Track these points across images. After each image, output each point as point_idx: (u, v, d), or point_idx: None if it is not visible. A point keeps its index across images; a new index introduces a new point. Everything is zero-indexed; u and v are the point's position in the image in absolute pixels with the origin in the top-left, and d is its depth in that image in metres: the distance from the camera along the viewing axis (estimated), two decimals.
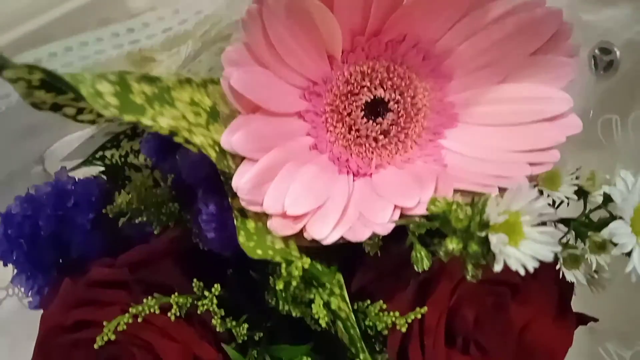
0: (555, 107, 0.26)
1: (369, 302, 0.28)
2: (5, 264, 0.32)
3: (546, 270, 0.29)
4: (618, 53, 0.37)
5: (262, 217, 0.26)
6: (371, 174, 0.29)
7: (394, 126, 0.29)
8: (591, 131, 0.33)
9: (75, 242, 0.32)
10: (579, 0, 0.36)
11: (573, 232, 0.28)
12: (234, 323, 0.29)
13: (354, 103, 0.28)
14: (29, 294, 0.33)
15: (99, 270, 0.31)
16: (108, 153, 0.35)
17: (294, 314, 0.27)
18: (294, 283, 0.24)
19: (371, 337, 0.29)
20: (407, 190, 0.26)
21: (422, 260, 0.24)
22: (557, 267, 0.26)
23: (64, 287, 0.31)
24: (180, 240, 0.32)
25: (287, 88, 0.27)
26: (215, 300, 0.27)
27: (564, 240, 0.27)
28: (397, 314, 0.26)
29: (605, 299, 0.28)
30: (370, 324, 0.28)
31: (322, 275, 0.25)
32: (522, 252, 0.19)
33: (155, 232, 0.29)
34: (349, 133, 0.29)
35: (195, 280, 0.29)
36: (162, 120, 0.22)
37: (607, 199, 0.25)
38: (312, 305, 0.24)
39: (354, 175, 0.29)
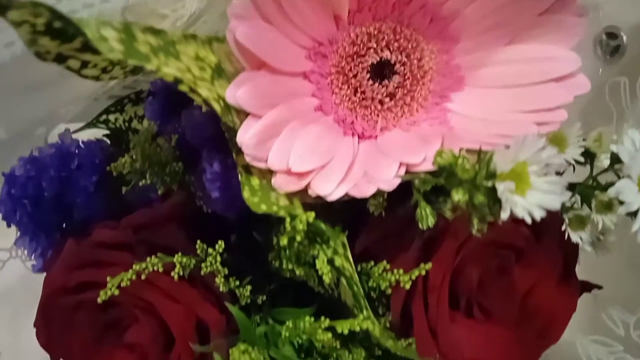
0: (563, 67, 0.26)
1: (372, 263, 0.28)
2: (8, 225, 0.32)
3: (550, 236, 0.30)
4: (625, 38, 0.37)
5: (267, 174, 0.26)
6: (376, 136, 0.28)
7: (400, 89, 0.29)
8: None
9: (79, 205, 0.32)
10: None
11: (579, 197, 0.28)
12: (237, 283, 0.29)
13: (360, 65, 0.28)
14: (32, 256, 0.33)
15: (102, 232, 0.31)
16: (112, 117, 0.34)
17: (297, 273, 0.27)
18: (298, 238, 0.24)
19: (374, 300, 0.29)
20: (412, 148, 0.25)
21: (426, 217, 0.24)
22: (563, 228, 0.26)
23: (67, 248, 0.31)
24: (184, 205, 0.32)
25: (292, 47, 0.27)
26: (218, 258, 0.27)
27: (570, 203, 0.27)
28: (401, 271, 0.26)
29: (609, 266, 0.28)
30: (374, 284, 0.28)
31: (326, 230, 0.25)
32: (529, 201, 0.19)
33: (159, 192, 0.29)
34: (355, 95, 0.28)
35: (198, 241, 0.29)
36: (167, 69, 0.22)
37: (615, 159, 0.25)
38: (316, 261, 0.24)
39: (359, 137, 0.28)
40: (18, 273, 0.42)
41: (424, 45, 0.29)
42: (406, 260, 0.26)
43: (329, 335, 0.25)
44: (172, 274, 0.28)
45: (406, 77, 0.29)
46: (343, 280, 0.25)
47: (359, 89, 0.28)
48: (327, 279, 0.24)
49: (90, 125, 0.34)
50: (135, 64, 0.21)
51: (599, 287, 0.31)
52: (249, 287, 0.30)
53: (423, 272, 0.25)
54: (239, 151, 0.25)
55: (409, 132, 0.28)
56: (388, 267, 0.27)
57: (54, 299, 0.32)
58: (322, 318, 0.26)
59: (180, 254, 0.29)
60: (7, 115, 0.31)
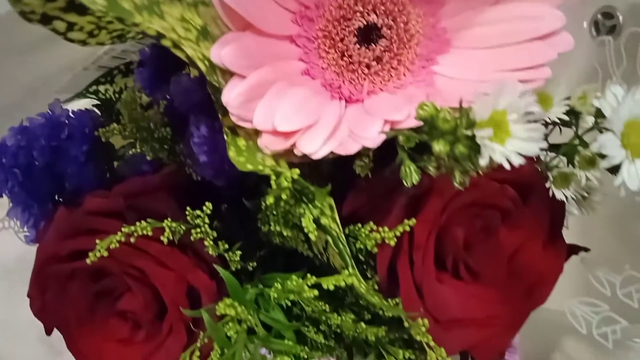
0: (548, 25, 0.26)
1: (360, 225, 0.28)
2: (0, 194, 0.32)
3: (537, 198, 0.30)
4: (621, 18, 0.37)
5: (253, 136, 0.26)
6: (363, 100, 0.29)
7: (386, 52, 0.29)
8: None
9: (70, 174, 0.33)
10: None
11: (564, 159, 0.28)
12: (226, 246, 0.29)
13: (347, 29, 0.28)
14: (25, 227, 0.34)
15: (93, 201, 0.32)
16: (102, 88, 0.35)
17: (285, 235, 0.27)
18: (284, 196, 0.24)
19: (363, 263, 0.30)
20: (396, 106, 0.26)
21: (410, 175, 0.24)
22: (547, 185, 0.26)
23: (58, 217, 0.31)
24: (175, 175, 0.33)
25: (279, 10, 0.27)
26: (206, 220, 0.28)
27: (554, 163, 0.27)
28: (386, 229, 0.26)
29: (595, 230, 0.28)
30: (361, 246, 0.28)
31: (311, 189, 0.25)
32: (508, 148, 0.19)
33: (148, 158, 0.30)
34: (342, 59, 0.29)
35: (188, 208, 0.30)
36: (151, 25, 0.22)
37: (599, 114, 0.25)
38: (302, 220, 0.24)
39: (346, 101, 0.29)
40: (14, 248, 0.42)
41: (410, 8, 0.29)
42: (392, 219, 0.26)
43: (315, 292, 0.25)
44: (162, 238, 0.28)
45: (393, 40, 0.29)
46: (329, 239, 0.25)
47: (345, 53, 0.28)
48: (313, 237, 0.24)
49: (80, 95, 0.34)
50: (118, 15, 0.21)
51: (586, 250, 0.31)
52: (238, 252, 0.30)
53: (407, 228, 0.26)
54: (225, 112, 0.25)
55: (395, 95, 0.28)
56: (375, 227, 0.27)
57: (47, 267, 0.32)
58: (309, 275, 0.26)
59: (169, 219, 0.29)
60: None
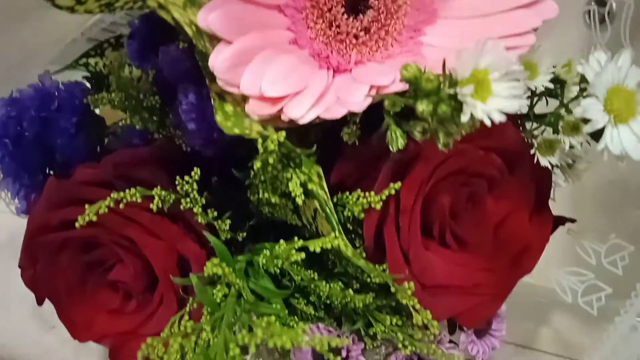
0: None
1: (347, 193, 0.28)
2: None
3: (523, 168, 0.30)
4: (614, 5, 0.37)
5: (241, 103, 0.26)
6: (351, 69, 0.29)
7: (374, 23, 0.29)
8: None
9: (60, 146, 0.33)
10: None
11: (550, 129, 0.28)
12: (215, 214, 0.29)
13: None
14: (16, 198, 0.34)
15: (83, 171, 0.32)
16: (92, 61, 0.35)
17: (273, 202, 0.27)
18: (271, 160, 0.24)
19: (350, 232, 0.30)
20: (382, 71, 0.26)
21: (396, 139, 0.24)
22: (532, 152, 0.26)
23: (48, 186, 0.32)
24: (165, 147, 0.33)
25: None
26: (195, 186, 0.28)
27: (539, 132, 0.28)
28: (372, 193, 0.26)
29: (581, 201, 0.29)
30: (349, 214, 0.28)
31: (298, 152, 0.25)
32: (489, 106, 0.19)
33: (137, 128, 0.30)
34: (330, 29, 0.29)
35: (178, 177, 0.30)
36: None
37: (582, 80, 0.25)
38: (289, 184, 0.25)
39: (334, 71, 0.29)
40: (5, 225, 0.42)
41: None
42: (378, 184, 0.27)
43: (302, 254, 0.25)
44: (151, 206, 0.28)
45: (380, 11, 0.29)
46: (316, 203, 0.25)
47: (333, 23, 0.29)
48: (300, 200, 0.25)
49: (70, 67, 0.34)
50: None
51: (573, 221, 0.32)
52: (227, 221, 0.30)
53: (393, 192, 0.26)
54: (213, 78, 0.25)
55: (382, 65, 0.29)
56: (362, 194, 0.27)
57: (38, 237, 0.32)
58: (295, 238, 0.26)
59: (159, 187, 0.29)
60: None
